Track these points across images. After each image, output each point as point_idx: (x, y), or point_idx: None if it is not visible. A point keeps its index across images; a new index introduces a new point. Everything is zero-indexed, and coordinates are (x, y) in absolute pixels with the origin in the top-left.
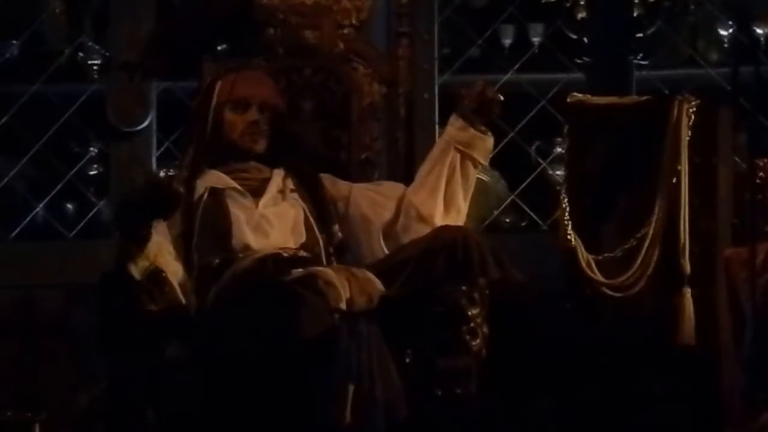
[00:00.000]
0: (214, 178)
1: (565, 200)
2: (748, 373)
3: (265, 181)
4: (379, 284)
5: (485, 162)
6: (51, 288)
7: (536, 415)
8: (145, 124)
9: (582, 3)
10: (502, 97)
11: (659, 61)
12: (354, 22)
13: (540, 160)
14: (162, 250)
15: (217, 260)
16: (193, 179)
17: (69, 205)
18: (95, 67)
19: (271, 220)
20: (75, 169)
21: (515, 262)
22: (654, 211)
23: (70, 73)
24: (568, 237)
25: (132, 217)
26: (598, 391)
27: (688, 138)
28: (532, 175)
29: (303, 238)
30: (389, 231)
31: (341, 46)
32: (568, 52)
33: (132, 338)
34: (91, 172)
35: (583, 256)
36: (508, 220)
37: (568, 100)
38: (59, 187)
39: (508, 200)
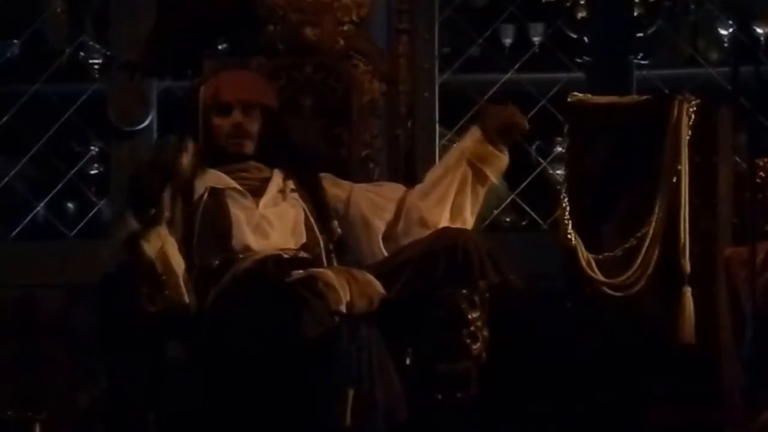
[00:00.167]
0: (215, 178)
1: (566, 200)
2: (749, 372)
3: (266, 181)
4: (379, 286)
5: (496, 180)
6: (51, 287)
7: (536, 417)
8: (146, 123)
9: (582, 2)
10: (528, 126)
11: (659, 61)
12: (354, 18)
13: (540, 159)
14: (168, 240)
15: (217, 261)
16: (192, 179)
17: (69, 205)
18: (96, 67)
19: (271, 221)
20: (75, 169)
21: (515, 262)
22: (654, 210)
23: (70, 73)
24: (569, 236)
25: (143, 189)
26: (598, 392)
27: (688, 137)
28: (533, 175)
29: (303, 239)
30: (389, 233)
31: (341, 43)
32: (569, 51)
33: (132, 339)
34: (92, 172)
35: (584, 255)
36: (508, 219)
37: (569, 99)
38: (60, 186)
39: (509, 199)
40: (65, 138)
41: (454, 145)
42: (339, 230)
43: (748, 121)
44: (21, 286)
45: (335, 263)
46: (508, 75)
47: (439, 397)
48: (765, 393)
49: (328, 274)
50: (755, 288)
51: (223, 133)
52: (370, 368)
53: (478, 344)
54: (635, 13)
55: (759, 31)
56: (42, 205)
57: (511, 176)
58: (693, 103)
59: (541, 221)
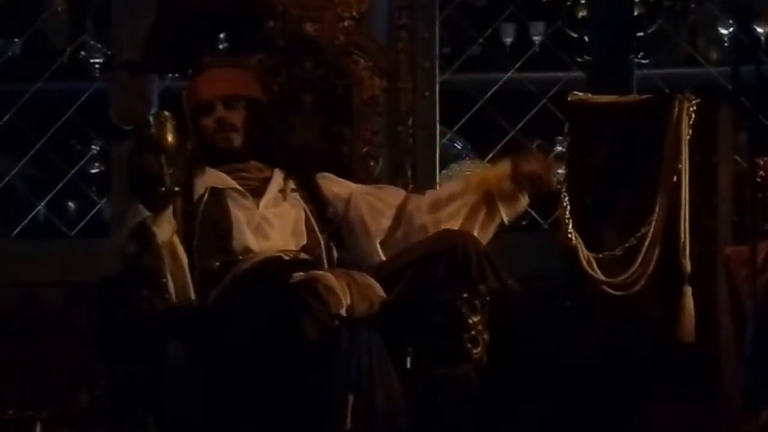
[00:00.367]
0: (215, 178)
1: (566, 199)
2: (749, 371)
3: (266, 181)
4: (380, 289)
5: (507, 220)
6: (52, 286)
7: (536, 417)
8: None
9: (582, 2)
10: (554, 186)
11: (660, 60)
12: (354, 14)
13: None
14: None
15: (218, 263)
16: (192, 179)
17: (70, 204)
18: (97, 66)
19: (271, 221)
20: (76, 168)
21: (516, 261)
22: (654, 209)
23: (71, 72)
24: (569, 235)
25: (141, 171)
26: (598, 391)
27: (688, 137)
28: None
29: (304, 240)
30: (387, 238)
31: (342, 38)
32: (569, 50)
33: (132, 342)
34: (93, 171)
35: (584, 254)
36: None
37: (569, 98)
38: (61, 185)
39: None
40: (66, 137)
41: (479, 169)
42: (335, 216)
43: (748, 120)
44: (22, 285)
45: (335, 259)
46: (509, 74)
47: (439, 400)
48: (765, 392)
49: (329, 277)
50: (755, 287)
51: (210, 131)
52: (371, 372)
53: (479, 348)
54: (635, 13)
55: (759, 30)
56: (43, 204)
57: None
58: (693, 102)
59: (541, 220)
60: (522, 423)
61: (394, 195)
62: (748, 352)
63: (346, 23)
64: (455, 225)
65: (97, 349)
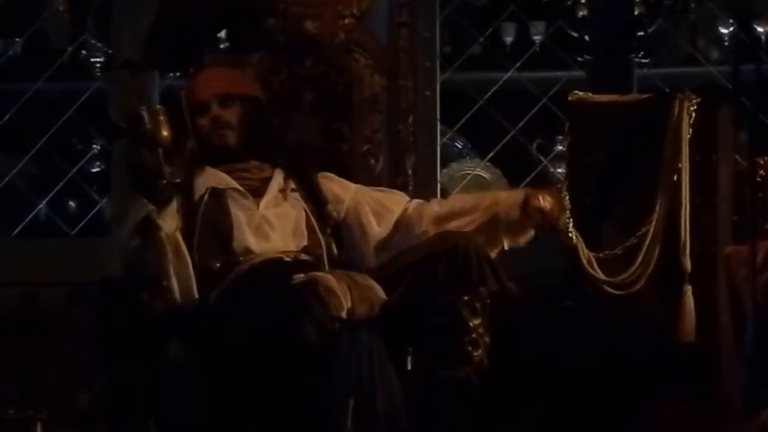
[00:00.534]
0: (215, 178)
1: (566, 198)
2: (749, 370)
3: (266, 181)
4: (380, 291)
5: (506, 247)
6: (53, 285)
7: (536, 417)
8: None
9: (583, 1)
10: (559, 227)
11: (660, 60)
12: (355, 12)
13: (541, 157)
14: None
15: (218, 264)
16: (192, 178)
17: (71, 203)
18: (97, 65)
19: (272, 222)
20: (77, 167)
21: (516, 260)
22: (655, 209)
23: (72, 71)
24: (570, 235)
25: (140, 167)
26: (598, 390)
27: (688, 136)
28: (533, 173)
29: (304, 241)
30: (384, 243)
31: (342, 36)
32: (569, 50)
33: (132, 345)
34: (94, 170)
35: (584, 253)
36: None
37: (569, 98)
38: (61, 184)
39: None
40: (67, 136)
41: (494, 190)
42: (335, 214)
43: (748, 119)
44: (22, 284)
45: (336, 259)
46: (509, 73)
47: (440, 403)
48: (765, 391)
49: (329, 278)
50: (755, 286)
51: (205, 130)
52: (371, 375)
53: (479, 351)
54: (636, 12)
55: (759, 29)
56: (44, 203)
57: (512, 174)
58: (693, 101)
59: None
60: (522, 423)
61: (395, 200)
62: (748, 352)
63: (346, 21)
64: None
65: (98, 351)
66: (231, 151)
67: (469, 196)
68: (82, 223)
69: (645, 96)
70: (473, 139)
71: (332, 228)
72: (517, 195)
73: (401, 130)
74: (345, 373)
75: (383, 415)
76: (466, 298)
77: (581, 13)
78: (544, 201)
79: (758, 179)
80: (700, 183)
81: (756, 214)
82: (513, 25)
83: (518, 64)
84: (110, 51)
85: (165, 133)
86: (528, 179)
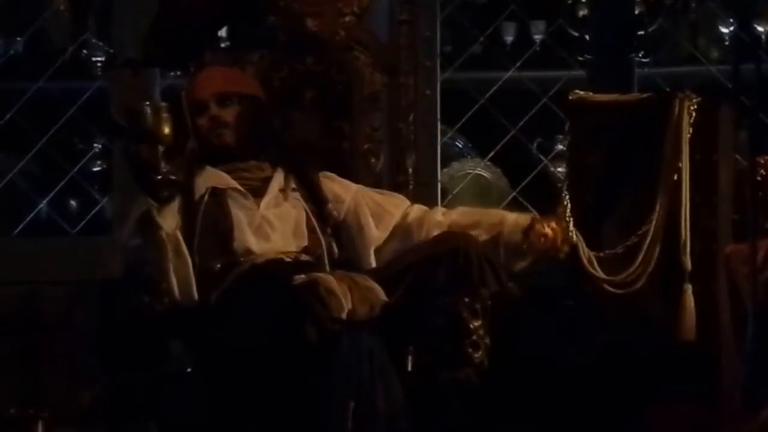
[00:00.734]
0: (216, 178)
1: (567, 197)
2: (749, 369)
3: (267, 180)
4: (381, 293)
5: (503, 269)
6: (54, 284)
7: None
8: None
9: (583, 0)
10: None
11: (660, 59)
12: (355, 10)
13: (541, 157)
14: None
15: (219, 264)
16: (193, 178)
17: (72, 202)
18: (98, 64)
19: (272, 222)
20: (78, 166)
21: None
22: (655, 208)
23: (73, 70)
24: (570, 234)
25: (138, 162)
26: (599, 389)
27: (689, 135)
28: (534, 172)
29: (305, 241)
30: (382, 247)
31: (342, 34)
32: (570, 49)
33: (132, 346)
34: (95, 169)
35: (585, 252)
36: None
37: (570, 97)
38: (62, 183)
39: (510, 197)
40: (68, 135)
41: (503, 210)
42: (335, 213)
43: (748, 118)
44: (23, 283)
45: (337, 260)
46: (510, 73)
47: (441, 404)
48: (765, 390)
49: (330, 279)
50: (756, 285)
51: (204, 130)
52: (372, 376)
53: (480, 352)
54: (636, 11)
55: (759, 29)
56: (45, 202)
57: (512, 174)
58: (694, 101)
59: None
60: (523, 424)
61: (395, 204)
62: (748, 350)
63: (347, 19)
64: None
65: (97, 353)
66: (230, 151)
67: (474, 211)
68: (83, 222)
69: (645, 95)
70: (474, 139)
71: (333, 228)
72: (523, 219)
73: (402, 128)
74: (345, 375)
75: (383, 416)
76: (466, 299)
77: (582, 12)
78: (549, 228)
79: (758, 178)
80: (701, 182)
81: (756, 213)
82: (513, 24)
83: (519, 64)
84: (111, 50)
85: (166, 130)
86: (528, 178)
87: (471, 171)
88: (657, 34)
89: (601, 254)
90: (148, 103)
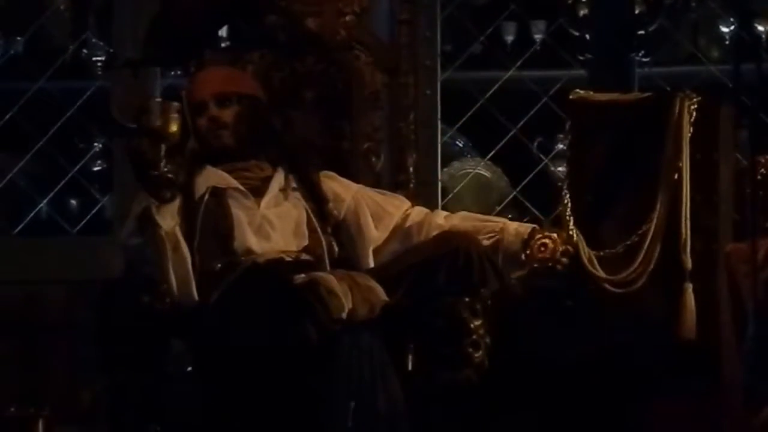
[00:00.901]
0: (216, 177)
1: (567, 196)
2: (749, 368)
3: (267, 180)
4: (381, 293)
5: (496, 276)
6: (54, 284)
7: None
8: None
9: (584, 0)
10: (558, 267)
11: (661, 58)
12: (356, 9)
13: (542, 156)
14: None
15: (219, 264)
16: (193, 177)
17: (73, 201)
18: (99, 64)
19: (272, 222)
20: (79, 166)
21: None
22: (655, 207)
23: (73, 70)
24: (570, 233)
25: (140, 157)
26: (599, 389)
27: (689, 135)
28: (534, 171)
29: (305, 241)
30: (381, 248)
31: (343, 33)
32: (570, 49)
33: (132, 346)
34: (95, 168)
35: (585, 252)
36: (510, 216)
37: (570, 96)
38: (63, 183)
39: (510, 196)
40: (68, 135)
41: (504, 219)
42: (335, 212)
43: (749, 118)
44: (24, 283)
45: (337, 259)
46: (510, 72)
47: (440, 404)
48: (766, 388)
49: (331, 279)
50: (756, 284)
51: (203, 130)
52: (372, 376)
53: (480, 352)
54: (636, 11)
55: (760, 28)
56: (45, 201)
57: (512, 173)
58: (694, 100)
59: (542, 218)
60: (523, 423)
61: (396, 205)
62: (748, 349)
63: (347, 18)
64: None
65: (97, 353)
66: (230, 151)
67: (476, 217)
68: (84, 221)
69: (646, 95)
70: (474, 138)
71: (333, 227)
72: (524, 228)
73: (402, 127)
74: (346, 375)
75: (384, 416)
76: (466, 299)
77: (582, 11)
78: (549, 239)
79: (759, 177)
80: (701, 181)
81: (756, 212)
82: (514, 23)
83: (519, 63)
84: (111, 50)
85: (173, 128)
86: (529, 178)
87: (471, 170)
88: (657, 34)
89: (602, 253)
90: (159, 99)
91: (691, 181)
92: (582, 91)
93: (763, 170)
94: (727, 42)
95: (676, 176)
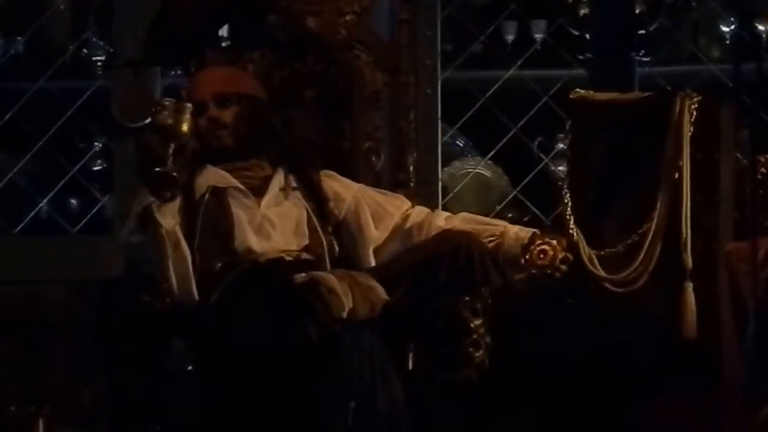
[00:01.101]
0: (216, 177)
1: (568, 196)
2: (750, 366)
3: (267, 179)
4: (382, 292)
5: (499, 273)
6: (55, 283)
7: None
8: (149, 119)
9: (584, 0)
10: (556, 274)
11: (661, 58)
12: (356, 9)
13: (542, 155)
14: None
15: (220, 264)
16: (194, 177)
17: (73, 201)
18: (99, 64)
19: (273, 221)
20: (79, 165)
21: None
22: (656, 206)
23: (74, 70)
24: (571, 232)
25: (147, 152)
26: (600, 388)
27: (690, 134)
28: (535, 171)
29: (306, 240)
30: (381, 248)
31: (343, 33)
32: (571, 48)
33: (133, 346)
34: (95, 168)
35: (585, 251)
36: (510, 215)
37: (571, 96)
38: (63, 182)
39: (511, 195)
40: (69, 134)
41: (504, 221)
42: (336, 211)
43: (749, 117)
44: (24, 282)
45: (337, 258)
46: (510, 72)
47: (441, 404)
48: (766, 387)
49: (331, 278)
50: (756, 283)
51: (203, 131)
52: (372, 376)
53: (481, 352)
54: (637, 11)
55: (761, 28)
56: (45, 201)
57: (513, 172)
58: (695, 99)
59: (543, 217)
60: (524, 423)
61: (396, 205)
62: (749, 348)
63: (347, 18)
64: None
65: (98, 353)
66: (230, 151)
67: (477, 219)
68: (84, 221)
69: (646, 94)
70: (474, 138)
71: (334, 227)
72: (524, 233)
73: (402, 127)
74: (346, 374)
75: (384, 416)
76: (467, 299)
77: (582, 11)
78: (548, 245)
79: (759, 177)
80: (702, 180)
81: (756, 212)
82: (514, 23)
83: (519, 63)
84: (112, 49)
85: (185, 129)
86: (529, 177)
87: (472, 170)
88: (658, 33)
89: (602, 253)
90: (174, 100)
91: (692, 180)
92: (582, 91)
93: (763, 169)
94: (727, 41)
95: (676, 175)
